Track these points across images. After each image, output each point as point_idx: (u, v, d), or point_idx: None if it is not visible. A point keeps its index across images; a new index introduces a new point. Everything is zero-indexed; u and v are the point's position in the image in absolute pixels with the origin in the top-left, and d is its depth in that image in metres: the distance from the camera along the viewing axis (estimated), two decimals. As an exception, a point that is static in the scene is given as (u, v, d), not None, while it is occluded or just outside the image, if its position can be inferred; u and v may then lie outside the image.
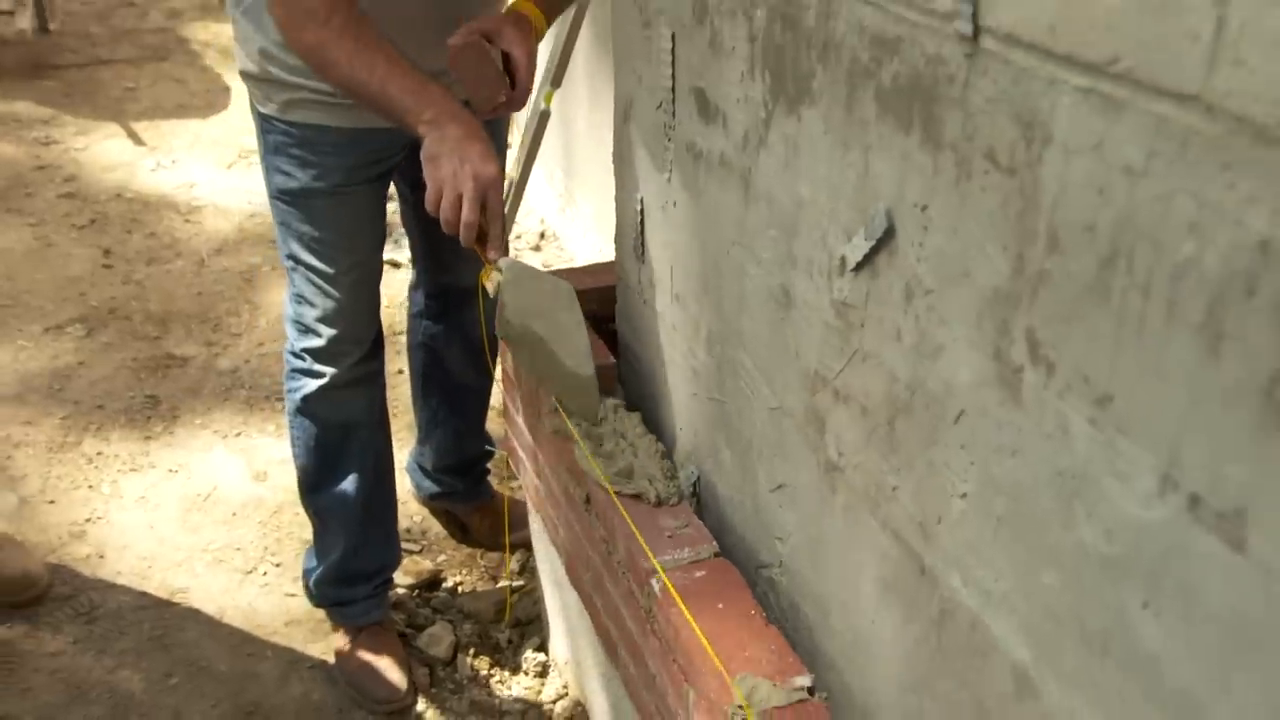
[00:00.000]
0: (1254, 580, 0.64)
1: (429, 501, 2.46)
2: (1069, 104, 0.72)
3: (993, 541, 0.89)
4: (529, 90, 1.68)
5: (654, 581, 1.26)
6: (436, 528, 2.43)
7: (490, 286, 1.79)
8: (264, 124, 1.84)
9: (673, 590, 1.21)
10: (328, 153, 1.80)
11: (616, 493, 1.39)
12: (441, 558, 2.35)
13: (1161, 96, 0.65)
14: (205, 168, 4.06)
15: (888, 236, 0.96)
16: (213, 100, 4.67)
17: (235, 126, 4.41)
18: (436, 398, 2.30)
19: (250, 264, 3.39)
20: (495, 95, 1.62)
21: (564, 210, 3.58)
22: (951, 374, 0.90)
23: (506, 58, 1.61)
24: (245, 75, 1.83)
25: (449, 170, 1.50)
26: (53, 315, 3.05)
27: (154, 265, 3.36)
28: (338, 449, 2.02)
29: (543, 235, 3.68)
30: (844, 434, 1.09)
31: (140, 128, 4.31)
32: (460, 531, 2.44)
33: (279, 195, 1.87)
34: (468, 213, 1.49)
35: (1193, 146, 0.63)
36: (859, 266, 1.01)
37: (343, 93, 1.62)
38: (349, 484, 2.03)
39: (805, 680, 1.13)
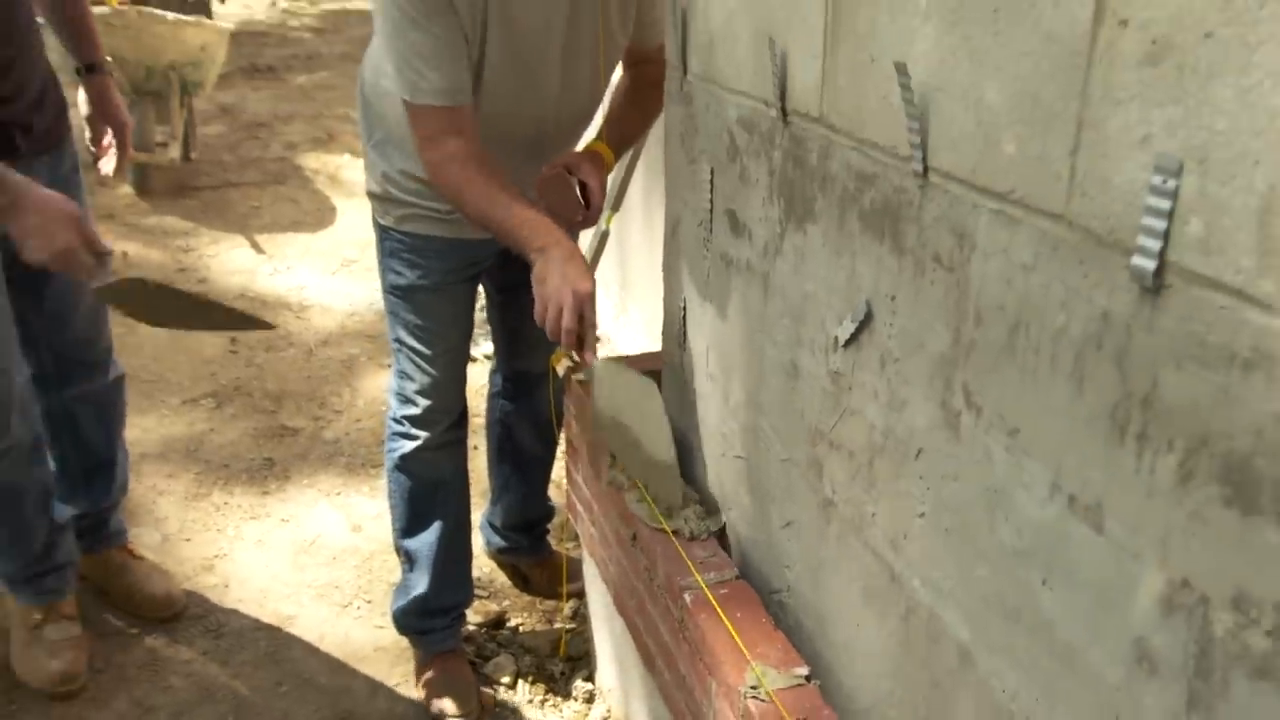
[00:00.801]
0: (1109, 553, 0.82)
1: (496, 555, 2.58)
2: (986, 221, 0.93)
3: (943, 548, 1.06)
4: (600, 212, 1.89)
5: (686, 595, 1.44)
6: (502, 578, 2.56)
7: (560, 369, 2.00)
8: (382, 233, 2.03)
9: (706, 590, 1.39)
10: (432, 257, 1.98)
11: (659, 529, 1.58)
12: (506, 603, 2.49)
13: (1042, 216, 0.85)
14: (313, 273, 4.29)
15: (868, 320, 1.15)
16: (321, 217, 4.93)
17: (339, 240, 4.65)
18: (508, 466, 2.43)
19: (350, 354, 3.59)
20: (574, 216, 1.84)
21: (618, 317, 3.78)
22: (912, 421, 1.09)
23: (583, 186, 1.82)
24: (371, 195, 2.03)
25: (554, 287, 1.62)
26: (189, 390, 3.24)
27: (271, 352, 3.55)
28: (427, 502, 2.15)
29: (598, 339, 3.86)
30: (836, 475, 1.27)
31: (261, 239, 4.56)
32: (522, 582, 2.56)
33: (391, 290, 2.04)
34: (568, 321, 1.61)
35: (1061, 249, 0.83)
36: (847, 343, 1.20)
37: (470, 218, 1.77)
38: (434, 532, 2.15)
39: (804, 670, 1.30)
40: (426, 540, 2.17)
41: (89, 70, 2.08)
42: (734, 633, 1.34)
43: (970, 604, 1.02)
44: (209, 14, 7.10)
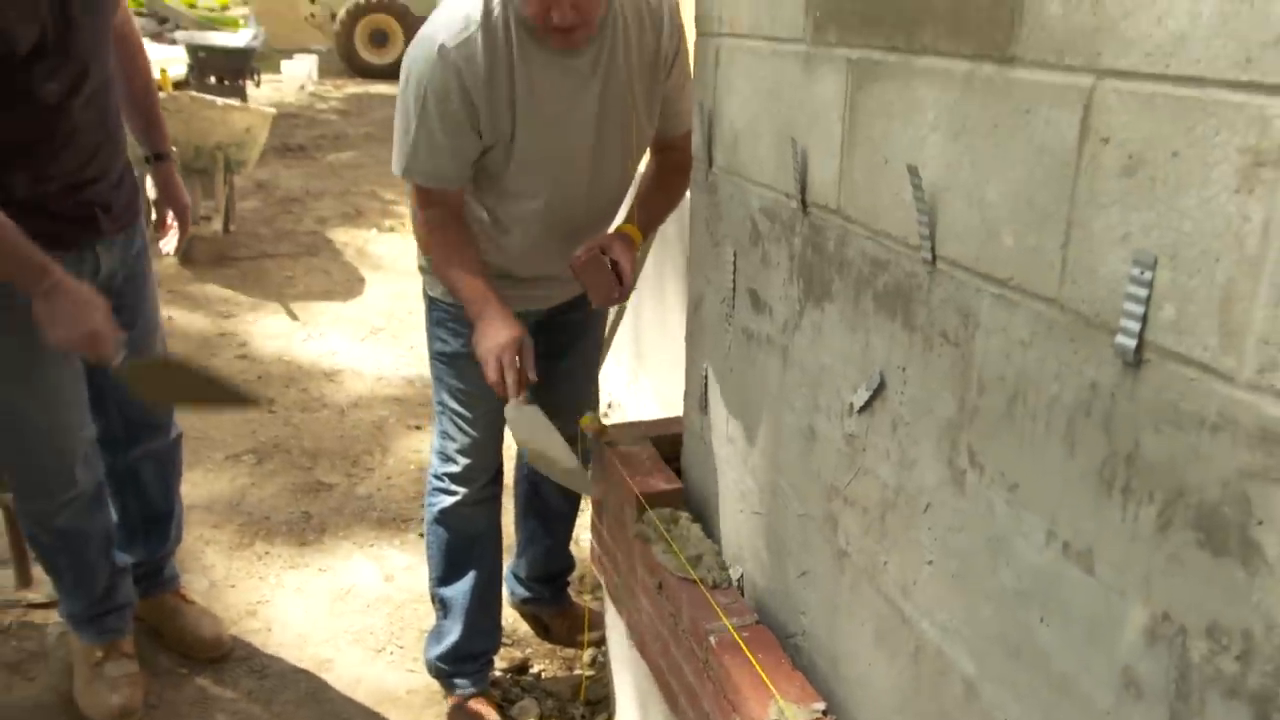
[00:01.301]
0: (1099, 592, 0.90)
1: (519, 606, 2.62)
2: (988, 304, 1.02)
3: (949, 592, 1.14)
4: (632, 288, 2.00)
5: (711, 637, 1.51)
6: (525, 627, 2.61)
7: (588, 432, 2.08)
8: (430, 303, 2.11)
9: (732, 630, 1.46)
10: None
11: (683, 578, 1.66)
12: (529, 650, 2.54)
13: (1037, 299, 0.95)
14: (344, 340, 4.39)
15: (881, 388, 1.24)
16: (350, 288, 5.06)
17: (367, 309, 4.77)
18: (534, 521, 2.48)
19: (380, 416, 3.68)
20: (611, 294, 1.93)
21: (629, 386, 3.87)
22: (922, 479, 1.18)
23: (615, 265, 1.91)
24: (421, 269, 2.12)
25: (486, 347, 1.83)
26: (232, 446, 3.32)
27: (306, 413, 3.65)
28: (463, 554, 2.20)
29: (609, 405, 3.92)
30: (851, 528, 1.35)
31: (296, 307, 4.67)
32: (544, 631, 2.60)
33: (437, 356, 2.12)
34: (509, 371, 1.82)
35: (1055, 328, 0.93)
36: (862, 409, 1.29)
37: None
38: (468, 581, 2.20)
39: (821, 705, 1.36)
40: (461, 589, 2.22)
41: (157, 158, 2.21)
42: (760, 670, 1.41)
43: (975, 641, 1.09)
44: (244, 97, 7.33)
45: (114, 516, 2.23)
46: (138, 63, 2.16)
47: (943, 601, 1.15)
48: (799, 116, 1.37)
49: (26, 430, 1.99)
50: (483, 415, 2.13)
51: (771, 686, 1.38)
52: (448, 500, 2.18)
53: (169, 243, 2.23)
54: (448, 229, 1.92)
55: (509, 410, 1.87)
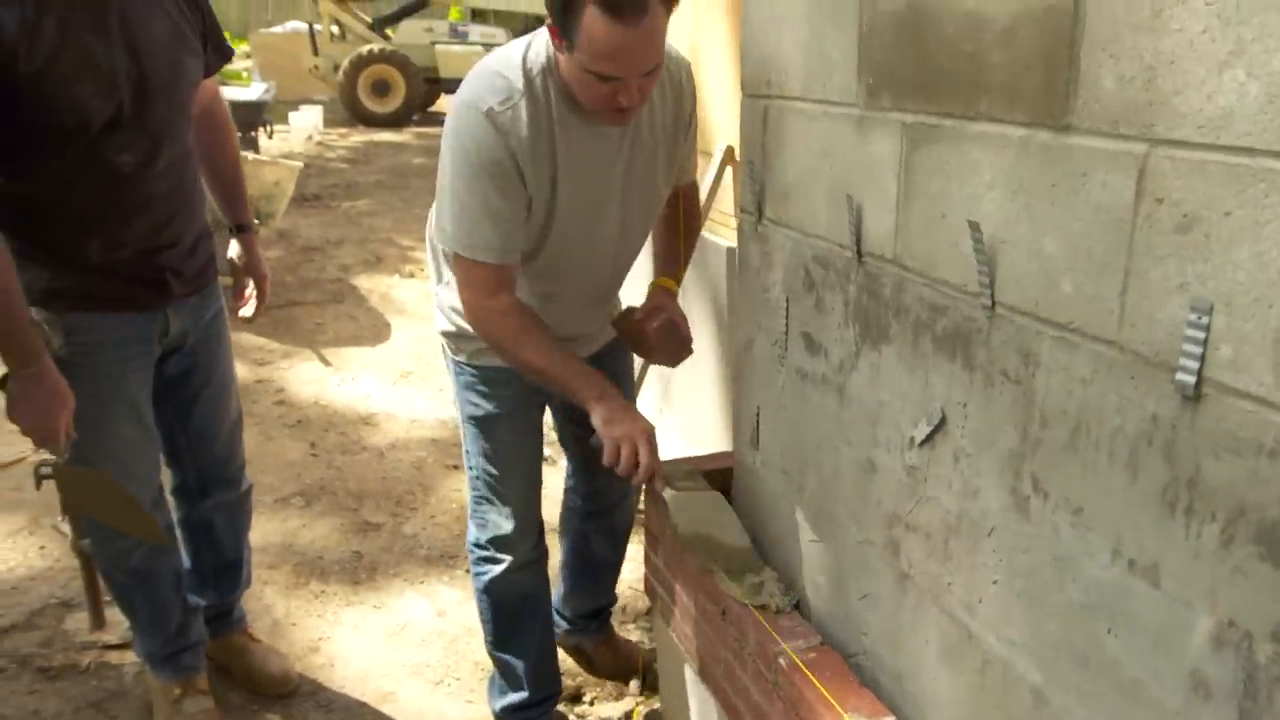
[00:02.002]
0: (1165, 604, 0.99)
1: (563, 639, 2.61)
2: (1049, 345, 1.12)
3: (1015, 608, 1.23)
4: (692, 341, 2.04)
5: (780, 659, 1.59)
6: (570, 661, 2.69)
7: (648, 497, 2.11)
8: (456, 367, 2.06)
9: (795, 659, 1.54)
10: (503, 386, 2.02)
11: (747, 604, 1.74)
12: (580, 678, 2.61)
13: (1097, 341, 1.04)
14: (376, 384, 4.45)
15: (941, 424, 1.33)
16: (378, 333, 5.12)
17: (396, 353, 4.84)
18: (580, 569, 2.47)
19: (418, 456, 3.75)
20: (680, 354, 1.99)
21: (657, 423, 3.95)
22: (985, 505, 1.26)
23: (674, 324, 1.97)
24: (444, 333, 2.05)
25: (625, 430, 1.77)
26: (280, 490, 3.39)
27: (347, 455, 3.71)
28: (516, 616, 2.18)
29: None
30: (913, 553, 1.43)
31: (327, 353, 4.74)
32: (587, 662, 2.62)
33: (469, 420, 2.07)
34: (647, 458, 1.77)
35: (1115, 367, 1.03)
36: (923, 443, 1.38)
37: (519, 364, 1.84)
38: (525, 641, 2.20)
39: (891, 719, 1.45)
40: (520, 649, 2.20)
41: (239, 229, 2.29)
42: (824, 691, 1.49)
43: (1042, 652, 1.18)
44: (257, 149, 7.48)
45: (186, 561, 2.31)
46: (224, 137, 2.24)
47: (1009, 617, 1.23)
48: (853, 173, 1.47)
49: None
50: (520, 475, 2.11)
51: (841, 704, 1.46)
52: (494, 569, 2.13)
53: (247, 310, 2.31)
54: (524, 314, 1.84)
55: (673, 498, 1.82)
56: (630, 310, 2.09)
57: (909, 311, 1.38)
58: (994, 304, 1.19)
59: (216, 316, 2.22)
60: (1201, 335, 0.91)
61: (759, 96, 1.74)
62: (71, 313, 1.91)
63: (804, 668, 1.55)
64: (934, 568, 1.38)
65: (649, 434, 1.79)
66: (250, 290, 2.30)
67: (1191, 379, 0.92)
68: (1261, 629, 0.88)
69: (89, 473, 1.95)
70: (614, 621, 2.70)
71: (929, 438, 1.36)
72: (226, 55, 2.13)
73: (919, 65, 1.29)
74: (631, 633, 2.74)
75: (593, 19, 1.58)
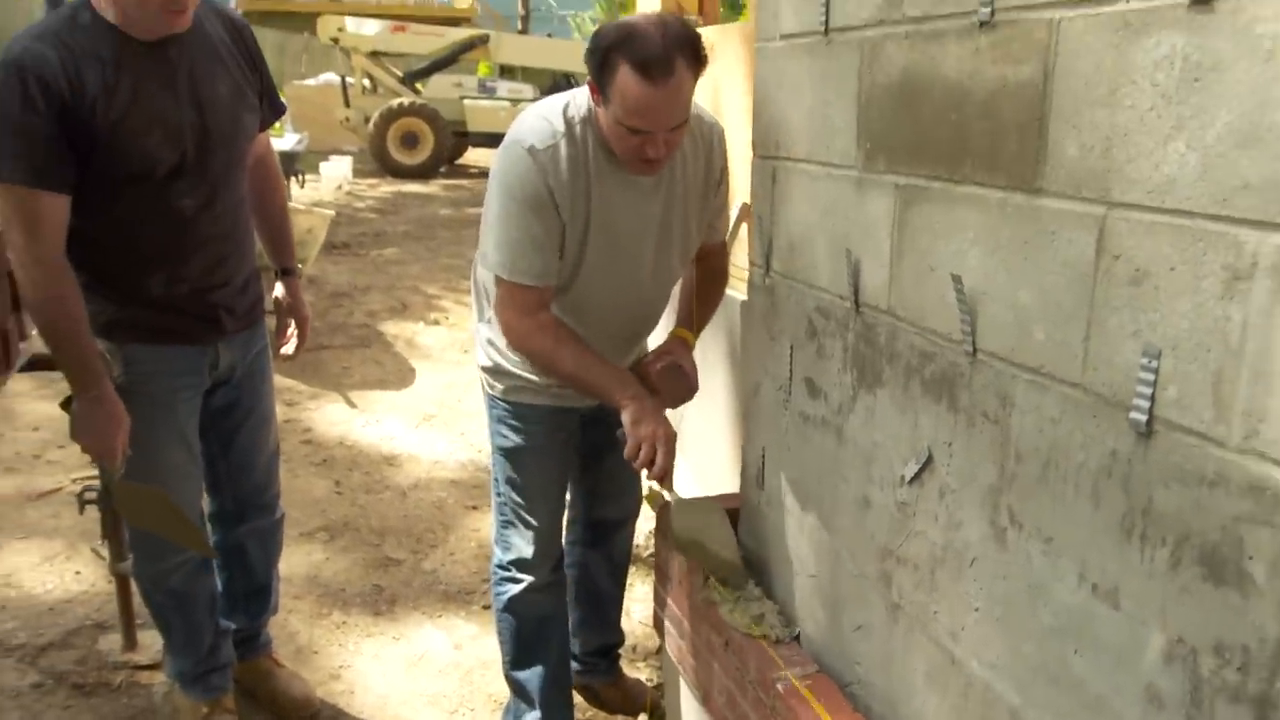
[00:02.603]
0: (1125, 624, 1.08)
1: (576, 679, 2.64)
2: (1023, 388, 1.22)
3: (995, 634, 1.31)
4: (698, 388, 2.17)
5: (779, 685, 1.67)
6: (580, 699, 2.76)
7: (653, 507, 2.24)
8: (491, 402, 2.19)
9: (795, 682, 1.62)
10: (534, 421, 2.15)
11: (748, 634, 1.82)
12: (589, 713, 2.68)
13: (1064, 384, 1.14)
14: (400, 426, 4.56)
15: (929, 461, 1.42)
16: (402, 377, 5.25)
17: (420, 397, 4.96)
18: (585, 604, 2.52)
19: (439, 496, 3.84)
20: (685, 397, 2.10)
21: (670, 467, 4.04)
22: (968, 537, 1.35)
23: (682, 369, 2.09)
24: (482, 368, 2.18)
25: (649, 429, 1.89)
26: (305, 525, 3.49)
27: (370, 494, 3.82)
28: (534, 637, 2.26)
29: (651, 485, 4.09)
30: (904, 584, 1.52)
31: (353, 395, 4.87)
32: (596, 701, 2.67)
33: (499, 450, 2.19)
34: (662, 459, 1.88)
35: (1080, 406, 1.12)
36: (912, 480, 1.48)
37: (560, 375, 1.97)
38: (541, 663, 2.27)
39: (881, 742, 1.52)
40: (535, 671, 2.28)
41: (284, 273, 2.43)
42: (820, 710, 1.57)
43: (1019, 675, 1.26)
44: (290, 197, 7.69)
45: (219, 585, 2.42)
46: (274, 187, 2.39)
47: (989, 642, 1.31)
48: (852, 230, 1.59)
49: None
50: (545, 504, 2.21)
51: (835, 726, 1.54)
52: (515, 588, 2.23)
53: (289, 348, 2.43)
54: (559, 327, 1.97)
55: (676, 501, 1.93)
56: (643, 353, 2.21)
57: (900, 358, 1.48)
58: (975, 350, 1.29)
59: (261, 353, 2.34)
60: (1151, 378, 1.01)
61: (768, 158, 1.87)
62: (132, 343, 2.04)
63: (802, 689, 1.63)
64: (921, 598, 1.46)
65: (670, 438, 1.91)
66: (292, 330, 2.42)
67: (1144, 417, 1.02)
68: (1205, 644, 0.97)
69: (143, 488, 2.08)
70: (624, 660, 2.77)
71: (917, 475, 1.45)
72: (280, 111, 2.28)
73: (911, 132, 1.41)
74: (641, 670, 2.81)
75: (625, 78, 1.76)
